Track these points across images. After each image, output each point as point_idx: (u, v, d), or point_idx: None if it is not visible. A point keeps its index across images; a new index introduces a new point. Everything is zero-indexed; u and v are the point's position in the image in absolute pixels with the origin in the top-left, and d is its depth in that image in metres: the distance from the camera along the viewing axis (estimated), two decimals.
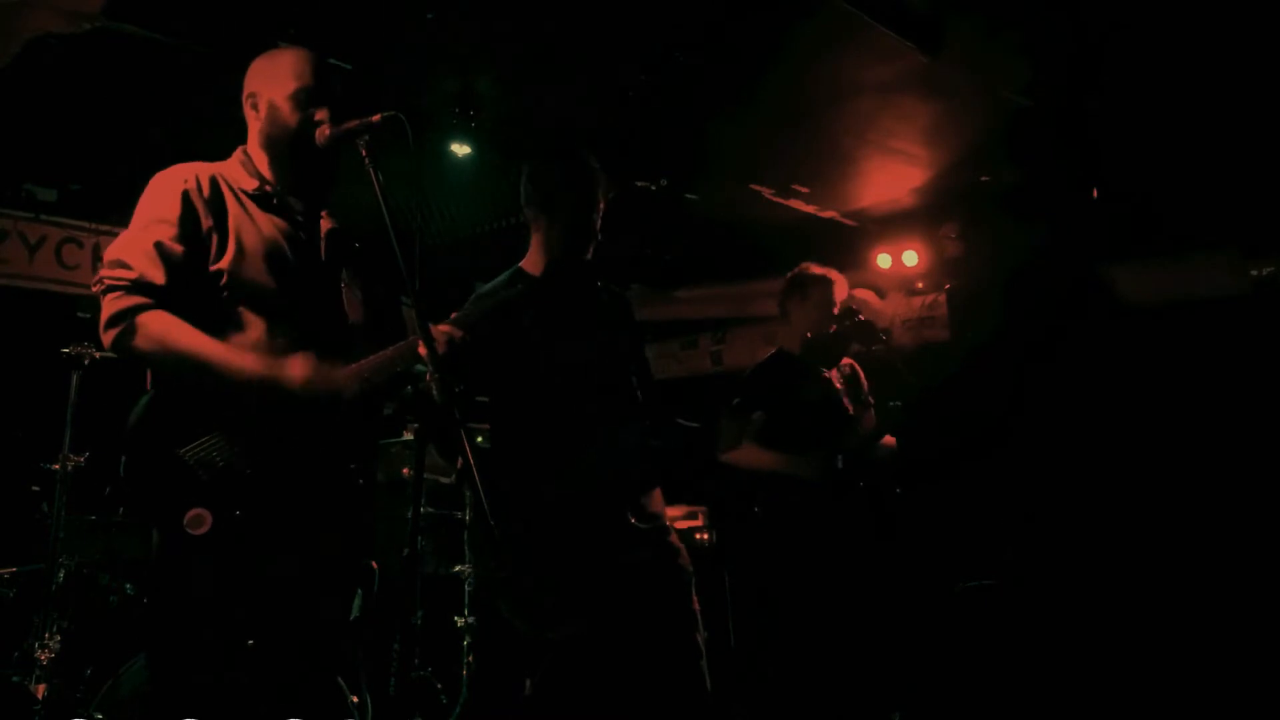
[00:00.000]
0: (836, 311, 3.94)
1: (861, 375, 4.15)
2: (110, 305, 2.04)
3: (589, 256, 2.86)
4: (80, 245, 5.39)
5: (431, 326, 2.15)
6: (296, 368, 2.06)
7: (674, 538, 2.77)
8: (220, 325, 2.09)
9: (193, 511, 1.95)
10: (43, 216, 5.34)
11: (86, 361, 3.65)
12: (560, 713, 2.57)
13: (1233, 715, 4.37)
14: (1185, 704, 4.39)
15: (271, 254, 2.18)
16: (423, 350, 2.08)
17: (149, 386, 2.11)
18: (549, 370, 2.75)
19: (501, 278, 2.83)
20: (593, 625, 2.58)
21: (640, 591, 2.63)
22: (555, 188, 2.82)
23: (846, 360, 4.14)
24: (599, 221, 2.84)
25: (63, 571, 3.55)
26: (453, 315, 2.33)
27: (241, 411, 2.04)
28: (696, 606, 2.72)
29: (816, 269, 4.05)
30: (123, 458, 2.00)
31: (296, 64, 2.26)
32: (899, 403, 3.84)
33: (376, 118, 2.11)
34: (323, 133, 2.18)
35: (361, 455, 2.21)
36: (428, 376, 2.05)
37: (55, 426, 3.67)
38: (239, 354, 2.06)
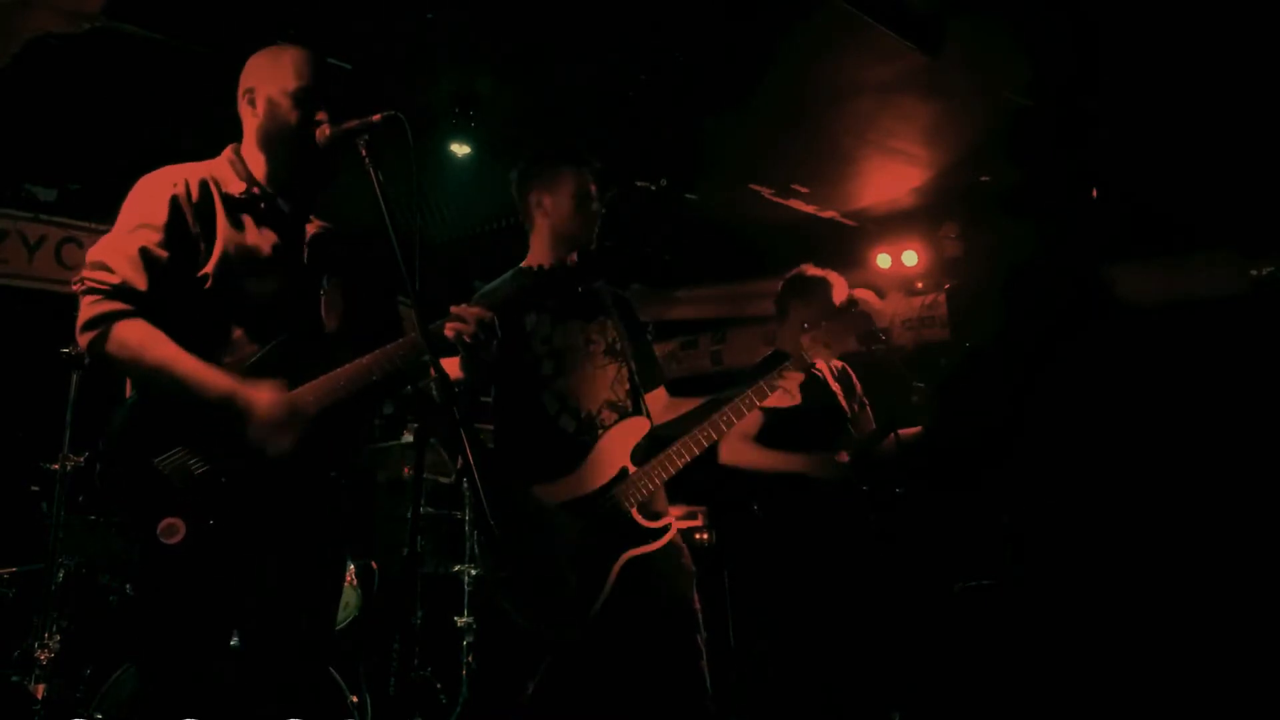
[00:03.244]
0: (837, 311, 3.92)
1: (854, 376, 4.14)
2: (89, 308, 2.03)
3: (590, 249, 2.87)
4: (80, 245, 5.39)
5: (457, 308, 2.15)
6: (262, 400, 2.03)
7: (677, 537, 2.78)
8: (200, 328, 2.08)
9: (166, 521, 1.94)
10: (43, 216, 5.34)
11: (86, 361, 3.63)
12: (561, 712, 2.57)
13: (1233, 715, 4.36)
14: (1185, 704, 4.39)
15: (255, 259, 2.17)
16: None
17: (128, 393, 2.10)
18: (544, 370, 2.75)
19: (504, 277, 2.84)
20: (594, 624, 2.58)
21: (642, 590, 2.63)
22: (550, 164, 2.84)
23: (839, 362, 4.11)
24: (597, 217, 2.85)
25: (63, 571, 3.55)
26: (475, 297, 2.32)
27: (217, 422, 2.02)
28: (698, 606, 2.72)
29: (816, 270, 4.03)
30: (97, 466, 2.00)
31: (297, 62, 2.24)
32: (923, 385, 3.79)
33: (376, 117, 2.10)
34: (323, 132, 2.16)
35: (340, 463, 2.20)
36: (431, 372, 2.04)
37: (55, 426, 3.67)
38: (210, 372, 2.03)
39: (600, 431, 2.73)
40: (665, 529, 2.74)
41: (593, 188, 2.85)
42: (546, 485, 2.67)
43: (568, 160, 2.88)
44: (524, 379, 2.76)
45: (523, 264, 2.90)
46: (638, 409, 2.83)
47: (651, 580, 2.66)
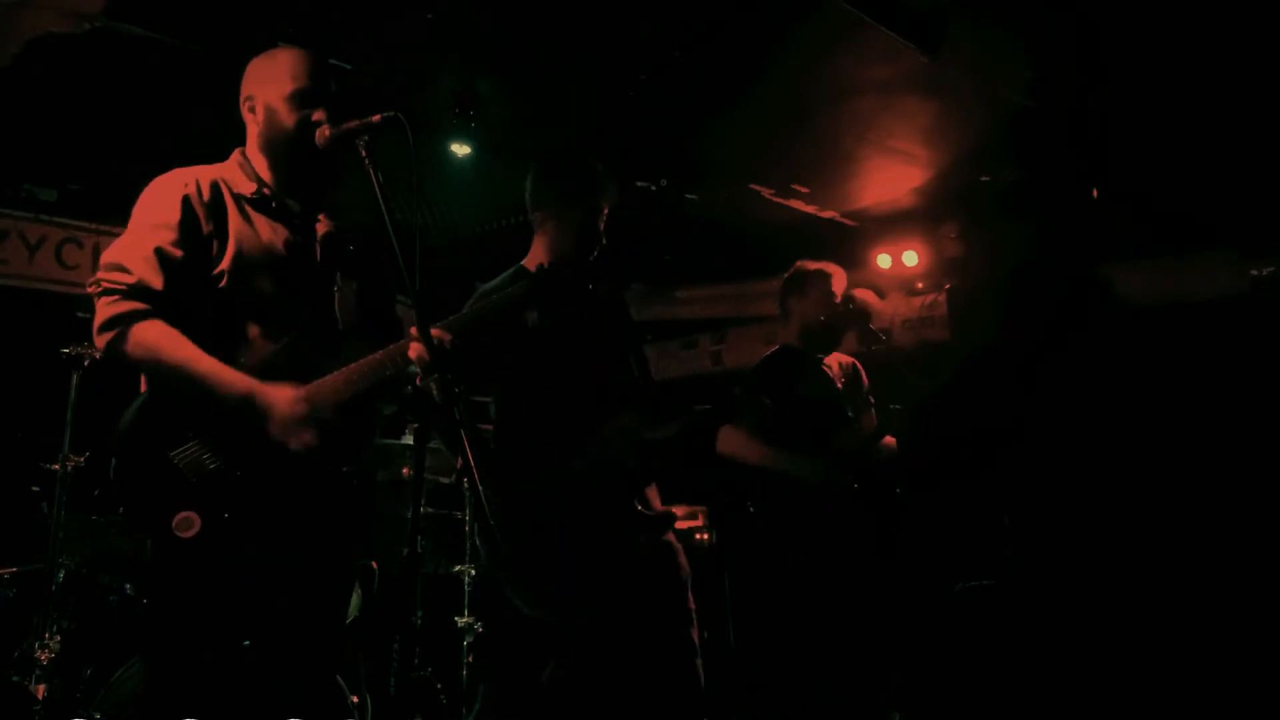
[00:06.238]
0: (838, 303, 3.95)
1: (863, 374, 4.15)
2: (106, 309, 2.04)
3: (592, 257, 2.88)
4: (80, 245, 5.39)
5: (416, 329, 2.15)
6: (282, 399, 2.03)
7: (670, 536, 2.79)
8: (215, 328, 2.09)
9: (180, 515, 1.95)
10: (43, 216, 5.34)
11: (86, 361, 3.64)
12: (557, 705, 2.57)
13: (1233, 715, 4.36)
14: (1185, 704, 4.39)
15: (268, 258, 2.19)
16: (413, 353, 2.08)
17: (144, 389, 2.11)
18: (550, 367, 2.76)
19: (503, 276, 2.85)
20: (595, 615, 2.59)
21: (638, 586, 2.64)
22: (562, 191, 2.84)
23: (848, 359, 4.13)
24: (603, 225, 2.87)
25: (63, 571, 3.55)
26: (450, 318, 2.32)
27: (233, 418, 2.03)
28: (693, 605, 2.73)
29: (813, 264, 4.06)
30: (112, 460, 2.00)
31: (293, 65, 2.25)
32: (899, 406, 3.83)
33: (376, 118, 2.10)
34: (322, 133, 2.17)
35: (353, 458, 2.21)
36: (417, 380, 2.06)
37: (55, 426, 3.67)
38: (228, 373, 2.04)
39: (596, 427, 2.73)
40: (665, 528, 2.76)
41: (601, 217, 2.84)
42: (546, 479, 2.67)
43: (582, 187, 2.84)
44: (523, 378, 2.77)
45: (523, 262, 2.90)
46: (631, 404, 2.84)
47: (647, 576, 2.67)
